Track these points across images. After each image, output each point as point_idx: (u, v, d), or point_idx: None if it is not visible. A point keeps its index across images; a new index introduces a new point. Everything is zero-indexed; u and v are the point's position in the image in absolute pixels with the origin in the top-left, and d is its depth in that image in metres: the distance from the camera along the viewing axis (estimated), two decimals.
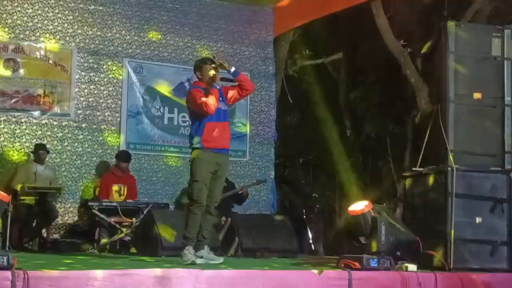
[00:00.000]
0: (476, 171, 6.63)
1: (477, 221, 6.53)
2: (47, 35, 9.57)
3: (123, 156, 9.32)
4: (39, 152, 8.90)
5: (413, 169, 7.07)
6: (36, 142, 9.17)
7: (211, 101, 6.19)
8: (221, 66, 6.38)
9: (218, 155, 6.28)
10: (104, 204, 8.65)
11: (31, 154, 9.07)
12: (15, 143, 9.27)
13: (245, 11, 10.83)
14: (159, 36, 10.16)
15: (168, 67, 10.24)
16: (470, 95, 6.76)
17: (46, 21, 9.57)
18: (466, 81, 6.78)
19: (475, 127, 6.76)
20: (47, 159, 9.09)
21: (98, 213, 8.55)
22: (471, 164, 6.64)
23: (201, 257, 6.17)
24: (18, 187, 8.55)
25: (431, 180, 6.76)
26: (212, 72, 6.31)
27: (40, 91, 9.45)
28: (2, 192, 5.64)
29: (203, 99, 6.18)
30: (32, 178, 8.76)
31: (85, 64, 9.76)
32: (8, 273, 4.49)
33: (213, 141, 6.25)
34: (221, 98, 6.37)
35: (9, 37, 9.35)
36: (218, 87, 6.38)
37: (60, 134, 9.53)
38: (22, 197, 8.50)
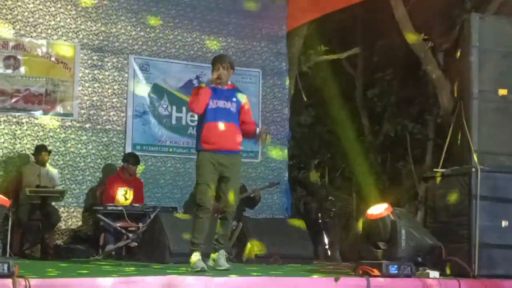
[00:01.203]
0: (502, 172, 6.60)
1: (503, 225, 6.50)
2: (49, 31, 9.59)
3: (132, 159, 9.31)
4: (42, 153, 8.92)
5: (435, 170, 7.04)
6: (37, 144, 9.19)
7: (199, 98, 6.27)
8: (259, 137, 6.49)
9: (220, 156, 6.25)
10: (109, 208, 8.67)
11: (32, 156, 9.07)
12: (16, 144, 9.29)
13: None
14: (159, 22, 10.13)
15: (176, 64, 10.25)
16: (495, 92, 6.73)
17: (47, 16, 9.60)
18: (490, 77, 6.74)
19: (501, 125, 6.73)
20: (49, 160, 9.12)
21: (103, 217, 8.57)
22: (496, 165, 6.61)
23: (210, 262, 6.17)
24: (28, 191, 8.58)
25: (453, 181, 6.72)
26: (216, 74, 6.36)
27: (42, 90, 9.48)
28: (2, 197, 5.65)
29: (193, 97, 6.35)
30: (36, 180, 8.78)
31: (89, 61, 9.78)
32: (8, 281, 4.50)
33: (213, 143, 6.25)
34: (234, 99, 6.39)
35: (9, 34, 9.38)
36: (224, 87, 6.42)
37: (63, 135, 9.55)
38: (24, 201, 8.53)
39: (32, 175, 8.84)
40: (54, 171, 9.13)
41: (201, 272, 5.81)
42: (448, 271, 6.28)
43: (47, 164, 9.00)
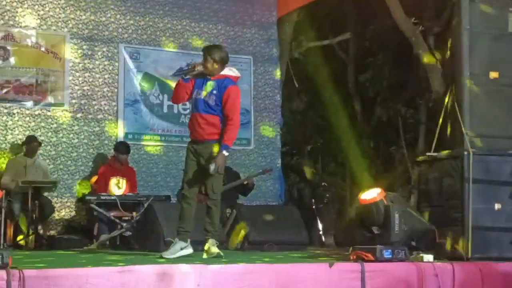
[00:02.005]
0: (494, 154, 6.62)
1: (496, 208, 6.53)
2: (38, 21, 9.55)
3: (122, 148, 9.32)
4: (33, 144, 8.90)
5: (428, 154, 7.06)
6: (28, 134, 9.17)
7: (174, 90, 6.59)
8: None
9: (196, 146, 6.38)
10: (102, 198, 8.66)
11: (24, 147, 9.05)
12: (8, 135, 9.28)
13: None
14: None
15: (166, 52, 10.22)
16: (486, 75, 6.73)
17: (36, 6, 9.55)
18: (482, 59, 6.74)
19: (492, 108, 6.75)
20: (41, 151, 9.10)
21: (96, 207, 8.56)
22: (488, 148, 6.63)
23: (204, 255, 6.19)
24: (8, 182, 8.56)
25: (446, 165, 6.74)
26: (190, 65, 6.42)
27: (32, 80, 9.45)
28: None
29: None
30: (22, 172, 8.76)
31: (79, 51, 9.75)
32: (3, 273, 4.49)
33: (191, 133, 6.47)
34: (215, 91, 6.29)
35: None
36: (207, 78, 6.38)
37: (55, 125, 9.53)
38: (16, 192, 8.52)
39: (20, 166, 8.79)
40: (42, 162, 9.08)
41: (186, 256, 5.90)
42: (441, 255, 6.29)
43: (36, 155, 8.96)
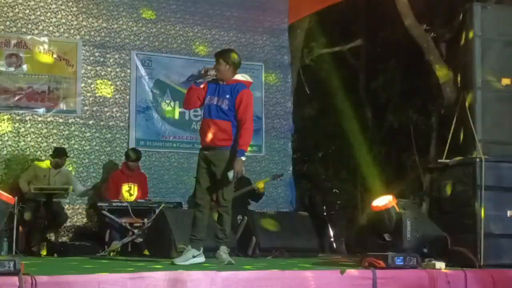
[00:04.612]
0: (506, 161, 6.58)
1: (508, 215, 6.49)
2: (51, 28, 9.61)
3: (132, 155, 9.32)
4: (62, 158, 8.95)
5: (439, 160, 7.03)
6: (56, 146, 9.23)
7: (186, 96, 6.54)
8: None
9: (208, 153, 6.32)
10: (114, 204, 8.68)
11: (52, 159, 9.04)
12: (20, 142, 9.32)
13: None
14: (153, 16, 10.14)
15: (178, 58, 10.25)
16: (498, 81, 6.71)
17: (49, 14, 9.61)
18: (493, 66, 6.73)
19: (504, 115, 6.72)
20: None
21: (108, 214, 8.58)
22: (501, 154, 6.59)
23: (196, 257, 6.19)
24: (22, 185, 8.60)
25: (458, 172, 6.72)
26: (204, 70, 6.35)
27: (45, 87, 9.50)
28: (7, 194, 5.67)
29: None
30: (41, 180, 8.80)
31: (91, 58, 9.80)
32: (15, 279, 4.51)
33: (203, 139, 6.40)
34: (228, 96, 6.30)
35: (11, 31, 9.40)
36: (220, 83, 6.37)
37: (67, 132, 9.58)
38: (29, 199, 8.55)
39: (40, 173, 8.86)
40: (64, 175, 9.08)
41: (174, 265, 5.87)
42: (454, 262, 6.26)
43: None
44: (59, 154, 8.98)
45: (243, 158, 6.15)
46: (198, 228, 6.27)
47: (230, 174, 6.10)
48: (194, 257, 6.15)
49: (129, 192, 9.05)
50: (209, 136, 6.29)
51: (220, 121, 6.27)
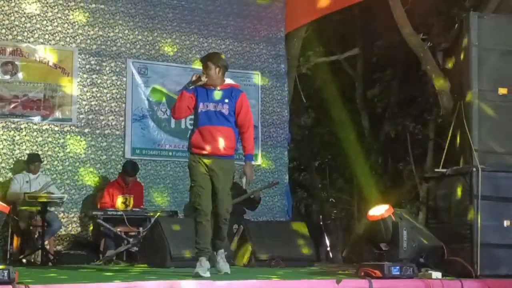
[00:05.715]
0: (503, 171, 6.58)
1: (505, 225, 6.49)
2: (47, 36, 9.61)
3: (130, 170, 9.23)
4: (35, 163, 8.91)
5: (436, 170, 7.03)
6: (29, 152, 9.19)
7: (176, 104, 6.22)
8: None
9: (209, 161, 6.11)
10: (109, 213, 8.67)
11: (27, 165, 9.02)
12: (15, 150, 9.30)
13: (254, 7, 10.85)
14: (150, 25, 10.15)
15: (174, 67, 10.25)
16: (495, 91, 6.72)
17: (45, 22, 9.61)
18: (490, 75, 6.74)
19: (501, 124, 6.72)
20: (48, 166, 9.13)
21: (103, 222, 8.57)
22: (497, 164, 6.60)
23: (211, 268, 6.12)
24: (12, 197, 8.58)
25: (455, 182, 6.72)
26: (195, 76, 6.16)
27: (40, 95, 9.49)
28: (1, 203, 5.65)
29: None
30: (25, 186, 8.79)
31: (87, 66, 9.79)
32: None
33: (203, 148, 6.12)
34: (227, 100, 6.15)
35: (7, 39, 9.39)
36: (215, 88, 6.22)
37: (62, 140, 9.56)
38: (23, 207, 8.52)
39: (23, 181, 8.83)
40: (45, 177, 9.05)
41: (197, 277, 5.69)
42: (450, 272, 6.26)
43: (38, 172, 8.98)
44: (32, 160, 8.94)
45: (253, 163, 6.01)
46: (204, 237, 6.03)
47: (243, 181, 5.99)
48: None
49: (125, 203, 8.89)
50: (214, 144, 6.09)
51: (223, 128, 6.12)
